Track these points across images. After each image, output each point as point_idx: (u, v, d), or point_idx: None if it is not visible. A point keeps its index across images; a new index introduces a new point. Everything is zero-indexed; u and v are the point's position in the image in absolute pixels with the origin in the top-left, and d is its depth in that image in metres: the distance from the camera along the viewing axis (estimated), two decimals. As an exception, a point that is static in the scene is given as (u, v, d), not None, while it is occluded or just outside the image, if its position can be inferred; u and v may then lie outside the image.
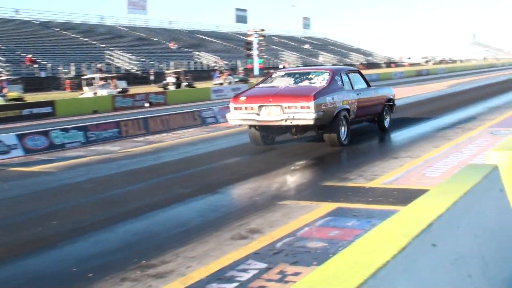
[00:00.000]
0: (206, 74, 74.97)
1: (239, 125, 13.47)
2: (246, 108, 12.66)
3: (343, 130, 12.95)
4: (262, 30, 22.55)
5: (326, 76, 13.29)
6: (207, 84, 52.93)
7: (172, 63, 75.98)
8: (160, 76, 63.62)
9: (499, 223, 4.59)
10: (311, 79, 13.34)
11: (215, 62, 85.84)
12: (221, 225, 7.02)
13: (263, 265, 5.52)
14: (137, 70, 73.36)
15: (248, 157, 12.48)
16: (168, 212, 8.00)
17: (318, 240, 6.20)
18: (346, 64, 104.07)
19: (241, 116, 12.75)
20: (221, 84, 52.38)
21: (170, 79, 51.89)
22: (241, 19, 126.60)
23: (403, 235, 3.09)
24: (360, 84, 14.43)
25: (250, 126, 13.09)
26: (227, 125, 18.79)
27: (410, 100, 26.66)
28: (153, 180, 10.34)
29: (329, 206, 7.63)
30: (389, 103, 15.49)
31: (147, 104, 32.28)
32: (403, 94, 28.34)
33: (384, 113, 15.26)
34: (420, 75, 71.32)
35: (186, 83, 51.15)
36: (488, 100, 24.41)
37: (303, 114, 12.08)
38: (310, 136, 14.22)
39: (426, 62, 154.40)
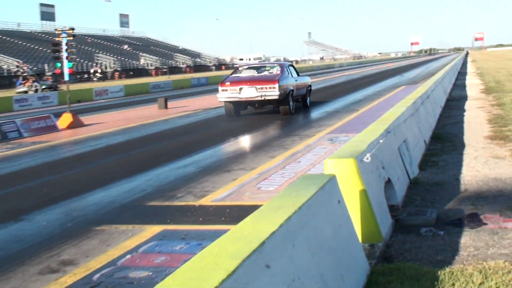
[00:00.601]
0: (6, 80, 72.41)
1: (225, 101, 21.20)
2: (230, 90, 20.86)
3: (291, 104, 21.44)
4: (72, 29, 22.16)
5: (278, 68, 22.39)
6: (9, 92, 51.02)
7: (-37, 69, 72.52)
8: (-51, 84, 60.43)
9: (338, 238, 4.77)
10: (268, 70, 22.41)
11: (18, 66, 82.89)
12: (27, 258, 6.76)
13: (77, 302, 5.38)
14: None
15: (58, 176, 12.13)
16: (-39, 246, 7.59)
17: (142, 269, 6.14)
18: (171, 67, 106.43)
19: (227, 95, 21.00)
20: (25, 92, 50.62)
21: (-38, 88, 49.46)
22: (48, 16, 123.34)
23: (232, 257, 3.12)
24: (295, 74, 23.16)
25: (230, 102, 21.13)
26: (33, 140, 18.23)
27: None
28: None
29: (154, 229, 7.59)
30: (308, 88, 24.73)
31: None
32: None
33: (306, 95, 24.26)
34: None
35: (-18, 92, 48.94)
36: (326, 104, 25.57)
37: (271, 92, 20.49)
38: (147, 144, 14.12)
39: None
